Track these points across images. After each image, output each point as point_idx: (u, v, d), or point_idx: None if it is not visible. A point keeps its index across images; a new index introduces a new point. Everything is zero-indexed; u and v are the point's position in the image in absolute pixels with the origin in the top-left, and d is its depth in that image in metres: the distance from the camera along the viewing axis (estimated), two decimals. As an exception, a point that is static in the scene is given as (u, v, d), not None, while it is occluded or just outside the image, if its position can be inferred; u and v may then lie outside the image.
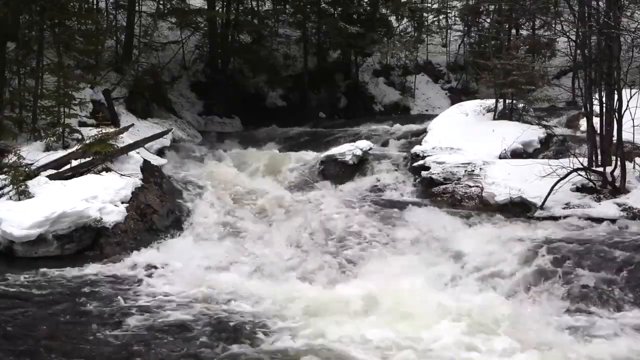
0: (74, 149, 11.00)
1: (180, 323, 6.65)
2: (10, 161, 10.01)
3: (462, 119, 14.67)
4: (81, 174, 10.34)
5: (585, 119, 11.70)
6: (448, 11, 26.36)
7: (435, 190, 11.70)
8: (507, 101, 14.43)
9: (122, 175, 10.46)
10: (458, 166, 11.93)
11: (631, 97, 10.28)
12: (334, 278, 8.22)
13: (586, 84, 11.50)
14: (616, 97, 10.49)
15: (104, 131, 10.80)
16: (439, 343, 6.17)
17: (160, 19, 19.33)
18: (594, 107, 11.10)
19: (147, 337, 6.28)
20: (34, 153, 10.70)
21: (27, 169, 9.89)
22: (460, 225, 9.82)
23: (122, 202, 9.76)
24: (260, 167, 13.73)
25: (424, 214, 10.34)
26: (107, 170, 10.54)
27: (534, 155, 12.77)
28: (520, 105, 14.41)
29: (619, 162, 10.37)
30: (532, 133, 13.19)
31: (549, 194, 10.21)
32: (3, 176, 9.74)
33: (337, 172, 13.13)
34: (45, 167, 10.35)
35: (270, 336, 6.33)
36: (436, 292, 7.47)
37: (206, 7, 20.93)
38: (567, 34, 12.88)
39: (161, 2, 18.86)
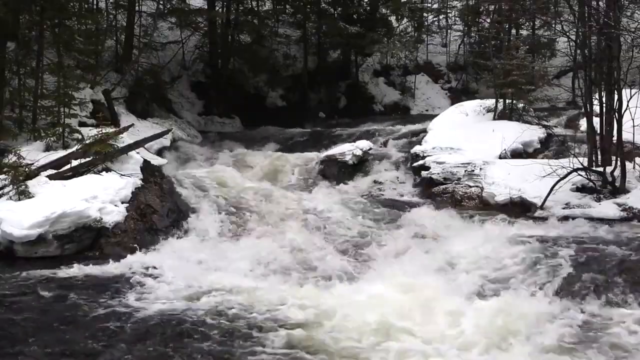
0: (74, 149, 11.00)
1: (180, 323, 6.64)
2: (10, 161, 10.00)
3: (462, 119, 14.69)
4: (81, 174, 10.32)
5: (585, 119, 11.70)
6: (448, 11, 26.38)
7: (435, 190, 11.71)
8: (507, 101, 14.44)
9: (122, 175, 10.45)
10: (458, 166, 11.94)
11: (631, 97, 10.29)
12: (334, 279, 8.20)
13: (586, 84, 11.50)
14: (616, 97, 10.50)
15: (104, 131, 10.79)
16: (438, 345, 6.16)
17: (160, 19, 19.34)
18: (594, 107, 11.10)
19: (147, 338, 6.27)
20: (34, 153, 10.69)
21: (27, 169, 9.87)
22: (460, 225, 9.82)
23: (122, 202, 9.75)
24: (260, 167, 13.75)
25: (423, 214, 10.34)
26: (107, 170, 10.53)
27: (534, 155, 12.78)
28: (520, 105, 14.41)
29: (619, 162, 10.38)
30: (532, 133, 13.20)
31: (548, 194, 10.22)
32: (3, 176, 9.72)
33: (337, 172, 13.15)
34: (45, 167, 10.33)
35: (272, 336, 6.33)
36: (434, 293, 7.45)
37: (206, 7, 20.94)
38: (567, 34, 12.90)
39: (161, 2, 18.87)
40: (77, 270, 8.25)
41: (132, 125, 13.93)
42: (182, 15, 19.70)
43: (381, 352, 6.03)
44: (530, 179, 10.51)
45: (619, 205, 9.87)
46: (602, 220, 9.61)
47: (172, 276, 8.04)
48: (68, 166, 10.46)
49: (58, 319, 6.66)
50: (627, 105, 10.27)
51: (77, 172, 10.36)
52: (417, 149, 13.14)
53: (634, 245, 8.29)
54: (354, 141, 14.08)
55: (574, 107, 16.92)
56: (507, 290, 7.52)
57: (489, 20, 21.50)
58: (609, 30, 10.13)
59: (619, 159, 10.41)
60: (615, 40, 10.51)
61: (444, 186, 11.68)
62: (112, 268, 8.42)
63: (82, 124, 12.88)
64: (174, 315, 6.83)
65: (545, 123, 14.11)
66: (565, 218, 9.86)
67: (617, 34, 10.42)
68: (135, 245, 9.23)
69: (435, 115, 16.27)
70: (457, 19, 26.60)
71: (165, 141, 14.50)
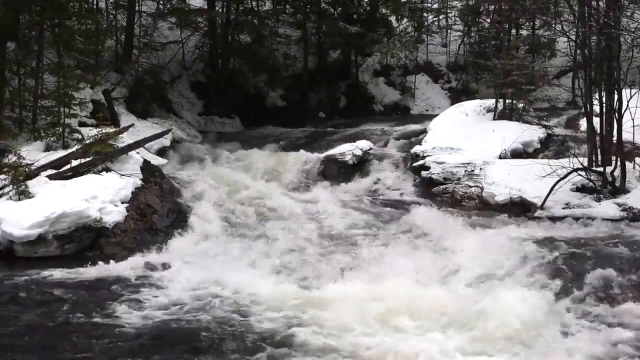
0: (74, 149, 11.00)
1: (179, 324, 6.63)
2: (10, 161, 10.00)
3: (462, 119, 14.68)
4: (81, 174, 10.33)
5: (585, 119, 11.71)
6: (448, 11, 26.35)
7: (435, 190, 11.71)
8: (507, 101, 14.44)
9: (122, 175, 10.46)
10: (458, 166, 11.94)
11: (631, 97, 10.29)
12: (334, 278, 8.20)
13: (586, 84, 11.50)
14: (616, 97, 10.50)
15: (104, 131, 10.80)
16: (436, 345, 6.15)
17: (160, 19, 19.31)
18: (594, 107, 11.10)
19: (146, 338, 6.25)
20: (34, 153, 10.69)
21: (27, 169, 9.88)
22: (460, 225, 9.82)
23: (122, 202, 9.76)
24: (260, 167, 13.73)
25: (424, 214, 10.34)
26: (107, 170, 10.54)
27: (534, 155, 12.78)
28: (520, 105, 14.41)
29: (619, 162, 10.38)
30: (532, 133, 13.20)
31: (548, 194, 10.22)
32: (3, 176, 9.73)
33: (337, 172, 13.14)
34: (45, 167, 10.34)
35: (273, 336, 6.31)
36: (436, 293, 7.45)
37: (206, 7, 20.93)
38: (567, 34, 12.90)
39: (161, 2, 18.85)
40: (76, 271, 8.25)
41: (132, 125, 13.91)
42: (182, 15, 19.67)
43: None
44: (530, 179, 10.51)
45: (619, 205, 9.87)
46: (602, 220, 9.61)
47: (172, 277, 8.05)
48: (68, 166, 10.46)
49: (58, 320, 6.65)
50: (627, 105, 10.27)
51: (77, 172, 10.37)
52: (417, 149, 13.14)
53: (634, 245, 8.29)
54: (354, 141, 14.05)
55: (574, 107, 16.91)
56: (506, 291, 7.50)
57: (489, 20, 21.48)
58: (609, 30, 10.13)
59: (619, 159, 10.41)
60: (615, 40, 10.51)
61: (444, 186, 11.68)
62: (112, 268, 8.43)
63: (82, 124, 12.85)
64: (174, 316, 6.82)
65: (545, 123, 14.11)
66: (565, 218, 9.86)
67: (617, 34, 10.43)
68: (135, 245, 9.24)
69: (435, 115, 16.26)
70: (457, 19, 26.56)
71: (165, 141, 14.47)
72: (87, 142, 10.73)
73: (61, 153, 10.94)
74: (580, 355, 5.94)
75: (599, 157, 10.91)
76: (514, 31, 20.79)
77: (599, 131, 11.03)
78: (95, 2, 19.12)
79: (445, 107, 18.96)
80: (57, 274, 8.08)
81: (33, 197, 9.40)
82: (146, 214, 10.04)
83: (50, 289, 7.49)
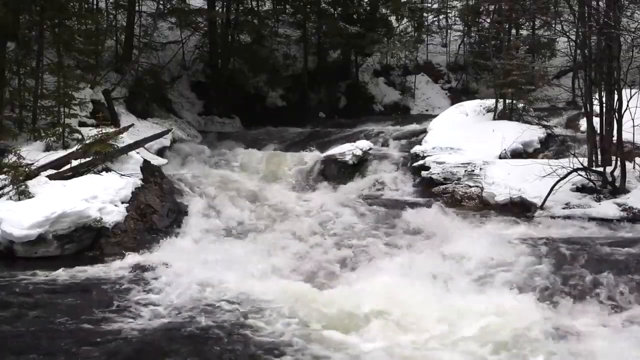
0: (74, 149, 11.01)
1: (180, 325, 6.61)
2: (10, 161, 10.01)
3: (462, 119, 14.69)
4: (81, 174, 10.34)
5: (585, 119, 11.71)
6: (448, 11, 26.38)
7: (435, 190, 11.71)
8: (507, 101, 14.44)
9: (122, 175, 10.46)
10: (458, 166, 11.94)
11: (631, 97, 10.30)
12: (334, 278, 8.20)
13: (586, 84, 11.50)
14: (616, 97, 10.51)
15: (104, 131, 10.80)
16: (436, 346, 6.15)
17: (160, 19, 19.33)
18: (594, 107, 11.11)
19: (146, 340, 6.23)
20: (34, 153, 10.70)
21: (27, 169, 9.88)
22: (460, 226, 9.81)
23: (122, 202, 9.76)
24: (260, 167, 13.75)
25: (423, 214, 10.33)
26: (107, 170, 10.54)
27: (534, 155, 12.79)
28: (520, 105, 14.42)
29: (619, 162, 10.38)
30: (532, 133, 13.21)
31: (548, 194, 10.22)
32: (3, 176, 9.73)
33: (337, 172, 13.15)
34: (45, 167, 10.34)
35: (276, 342, 6.29)
36: (435, 294, 7.44)
37: (206, 7, 20.94)
38: (567, 34, 12.90)
39: (161, 2, 18.86)
40: (76, 271, 8.24)
41: (132, 125, 13.92)
42: (182, 15, 19.70)
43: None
44: (530, 179, 10.51)
45: (619, 205, 9.87)
46: (602, 220, 9.62)
47: (172, 277, 8.01)
48: (68, 166, 10.46)
49: (57, 320, 6.62)
50: (627, 105, 10.28)
51: (77, 172, 10.37)
52: (417, 149, 13.15)
53: (634, 245, 8.29)
54: (354, 141, 14.06)
55: (574, 107, 16.91)
56: (506, 291, 7.50)
57: (489, 20, 21.49)
58: (609, 30, 10.13)
59: (619, 159, 10.41)
60: (615, 40, 10.51)
61: (444, 186, 11.69)
62: (111, 269, 8.42)
63: (82, 124, 12.87)
64: (174, 316, 6.81)
65: (545, 123, 14.12)
66: (565, 218, 9.86)
67: (617, 34, 10.43)
68: (135, 245, 9.23)
69: (435, 115, 16.27)
70: (457, 19, 26.60)
71: (165, 141, 14.49)
72: (87, 142, 10.74)
73: (61, 153, 10.94)
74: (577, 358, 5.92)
75: (599, 157, 10.91)
76: (514, 31, 20.82)
77: (599, 131, 11.03)
78: (95, 2, 19.14)
79: (445, 107, 18.97)
80: (57, 274, 8.07)
81: (33, 197, 9.40)
82: (146, 214, 10.05)
83: (49, 290, 7.48)
